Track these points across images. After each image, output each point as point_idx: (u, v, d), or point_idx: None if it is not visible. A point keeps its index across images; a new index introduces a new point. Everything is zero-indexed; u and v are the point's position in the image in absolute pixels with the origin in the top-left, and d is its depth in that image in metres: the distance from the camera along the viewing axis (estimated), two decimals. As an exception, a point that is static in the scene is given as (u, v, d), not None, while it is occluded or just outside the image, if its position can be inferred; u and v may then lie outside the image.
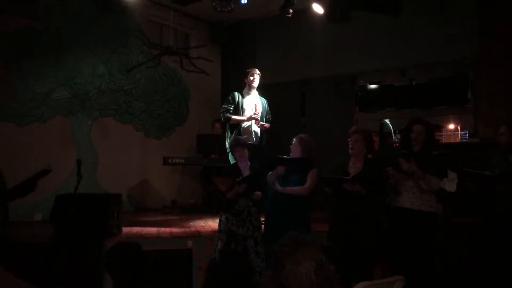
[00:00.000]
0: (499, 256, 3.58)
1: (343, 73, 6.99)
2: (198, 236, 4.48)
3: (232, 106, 5.11)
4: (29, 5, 5.74)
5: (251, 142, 4.91)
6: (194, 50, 6.98)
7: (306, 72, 7.20)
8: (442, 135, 5.97)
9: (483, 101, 5.79)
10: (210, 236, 4.34)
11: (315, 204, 4.09)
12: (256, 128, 5.12)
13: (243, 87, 5.26)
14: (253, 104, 5.15)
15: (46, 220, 4.57)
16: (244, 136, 4.91)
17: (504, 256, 3.53)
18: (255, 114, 5.07)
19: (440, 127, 6.03)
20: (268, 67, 6.78)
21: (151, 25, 7.28)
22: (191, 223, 5.28)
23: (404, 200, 3.59)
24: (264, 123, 5.15)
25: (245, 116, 5.08)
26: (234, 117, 5.09)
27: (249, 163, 4.03)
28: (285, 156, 3.91)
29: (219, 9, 5.60)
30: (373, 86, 7.12)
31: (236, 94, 5.18)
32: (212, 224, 5.07)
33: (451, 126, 6.07)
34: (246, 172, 3.94)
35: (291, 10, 5.90)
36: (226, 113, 5.11)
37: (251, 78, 5.15)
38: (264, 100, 5.28)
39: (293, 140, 3.96)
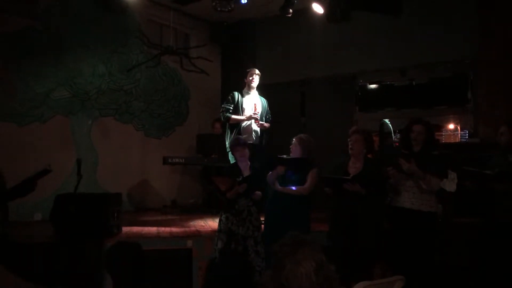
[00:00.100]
0: (499, 256, 3.58)
1: (343, 73, 6.99)
2: (198, 236, 4.48)
3: (232, 106, 5.12)
4: (29, 5, 5.74)
5: (251, 142, 4.91)
6: (194, 50, 6.99)
7: (306, 72, 7.20)
8: (442, 135, 5.96)
9: (483, 101, 5.79)
10: (210, 236, 4.34)
11: (315, 204, 4.09)
12: (256, 127, 5.14)
13: (243, 87, 5.27)
14: (252, 103, 5.16)
15: (46, 220, 4.57)
16: (244, 136, 4.93)
17: (504, 256, 3.53)
18: (254, 113, 5.08)
19: (440, 127, 6.02)
20: (268, 67, 6.79)
21: (151, 25, 7.28)
22: (191, 223, 5.28)
23: (404, 200, 3.59)
24: (263, 123, 5.15)
25: (245, 115, 5.09)
26: (233, 116, 5.10)
27: (249, 163, 4.03)
28: (285, 156, 3.91)
29: (219, 9, 5.60)
30: (373, 86, 7.12)
31: (236, 93, 5.20)
32: (212, 224, 5.07)
33: (451, 126, 6.07)
34: (246, 172, 3.94)
35: (291, 10, 5.90)
36: (226, 113, 5.13)
37: (250, 78, 5.17)
38: (264, 100, 5.28)
39: (293, 140, 3.97)
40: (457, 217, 4.57)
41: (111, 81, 6.71)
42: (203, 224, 5.20)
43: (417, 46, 6.24)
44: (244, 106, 5.14)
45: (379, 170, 3.60)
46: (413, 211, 3.53)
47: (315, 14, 6.13)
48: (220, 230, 3.91)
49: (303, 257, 1.59)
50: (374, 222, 3.59)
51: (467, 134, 5.79)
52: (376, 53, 6.56)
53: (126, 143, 6.85)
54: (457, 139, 5.86)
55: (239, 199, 3.84)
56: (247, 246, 3.78)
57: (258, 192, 3.88)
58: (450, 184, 4.14)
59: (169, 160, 6.28)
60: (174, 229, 4.81)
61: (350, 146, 3.69)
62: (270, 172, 3.89)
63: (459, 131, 5.91)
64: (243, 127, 5.11)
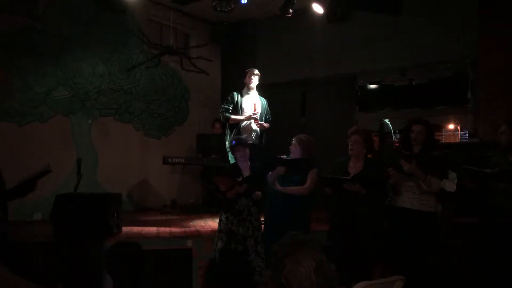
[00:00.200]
0: (499, 256, 3.58)
1: (343, 73, 6.99)
2: (198, 236, 4.48)
3: (231, 106, 5.13)
4: (29, 5, 5.74)
5: (251, 141, 4.92)
6: (194, 50, 6.99)
7: (306, 72, 7.20)
8: (442, 135, 5.96)
9: (483, 101, 5.79)
10: (210, 235, 4.34)
11: (315, 204, 4.08)
12: (255, 127, 5.14)
13: (243, 87, 5.28)
14: (252, 103, 5.17)
15: (46, 220, 4.58)
16: (244, 135, 4.93)
17: (504, 256, 3.53)
18: (254, 113, 5.09)
19: (440, 127, 6.02)
20: (268, 67, 6.79)
21: (151, 25, 7.28)
22: (191, 223, 5.28)
23: (404, 200, 3.60)
24: (263, 123, 5.16)
25: (244, 115, 5.10)
26: (233, 116, 5.11)
27: (249, 162, 4.03)
28: (284, 157, 3.91)
29: (219, 9, 5.60)
30: (373, 86, 7.11)
31: (235, 94, 5.22)
32: (212, 224, 5.07)
33: (451, 126, 6.06)
34: (246, 172, 3.94)
35: (291, 10, 5.90)
36: (225, 113, 5.14)
37: (249, 78, 5.20)
38: (263, 100, 5.29)
39: (292, 141, 3.97)
40: (457, 217, 4.57)
41: (111, 81, 6.71)
42: (203, 224, 5.20)
43: (417, 46, 6.24)
44: (243, 106, 5.15)
45: (379, 170, 3.60)
46: (413, 211, 3.53)
47: (315, 14, 6.13)
48: (220, 230, 3.91)
49: (303, 257, 1.59)
50: (374, 222, 3.59)
51: (467, 134, 5.79)
52: (376, 53, 6.57)
53: (126, 143, 6.85)
54: (457, 139, 5.85)
55: (239, 199, 3.83)
56: (247, 246, 3.78)
57: (258, 192, 3.88)
58: (450, 184, 4.14)
59: (169, 160, 6.28)
60: (174, 229, 4.81)
61: (350, 146, 3.69)
62: (270, 172, 3.89)
63: (459, 131, 5.90)
64: (242, 126, 5.12)
